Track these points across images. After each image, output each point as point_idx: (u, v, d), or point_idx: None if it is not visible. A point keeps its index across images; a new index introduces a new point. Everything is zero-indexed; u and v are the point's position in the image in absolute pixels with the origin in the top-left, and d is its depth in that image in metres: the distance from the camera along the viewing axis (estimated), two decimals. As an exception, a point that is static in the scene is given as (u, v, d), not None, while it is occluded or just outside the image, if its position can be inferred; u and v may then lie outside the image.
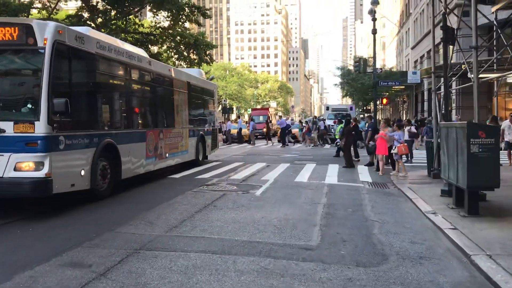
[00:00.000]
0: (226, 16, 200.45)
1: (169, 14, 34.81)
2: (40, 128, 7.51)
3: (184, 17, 35.77)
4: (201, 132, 16.61)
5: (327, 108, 39.42)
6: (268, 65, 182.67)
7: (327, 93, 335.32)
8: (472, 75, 9.63)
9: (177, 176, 13.53)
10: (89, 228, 7.14)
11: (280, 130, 32.43)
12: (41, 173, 7.52)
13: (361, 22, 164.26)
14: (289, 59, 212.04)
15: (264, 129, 36.37)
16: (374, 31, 30.09)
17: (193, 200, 9.54)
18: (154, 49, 42.52)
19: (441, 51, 38.12)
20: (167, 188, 11.35)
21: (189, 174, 13.94)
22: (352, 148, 17.96)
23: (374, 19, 30.27)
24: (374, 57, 29.38)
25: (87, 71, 9.15)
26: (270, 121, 40.84)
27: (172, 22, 36.00)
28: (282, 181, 12.68)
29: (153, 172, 12.68)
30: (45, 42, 7.62)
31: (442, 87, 12.94)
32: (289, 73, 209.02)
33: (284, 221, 7.71)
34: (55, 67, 7.72)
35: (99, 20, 32.85)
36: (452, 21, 15.24)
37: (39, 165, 7.53)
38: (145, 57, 11.91)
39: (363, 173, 14.89)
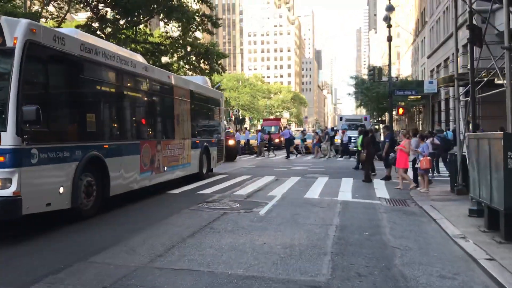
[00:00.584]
0: (239, 27, 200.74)
1: (179, 23, 34.41)
2: (7, 139, 6.52)
3: (194, 26, 35.40)
4: (205, 144, 15.57)
5: (341, 119, 38.15)
6: (281, 76, 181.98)
7: (340, 104, 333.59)
8: (504, 81, 8.47)
9: (176, 191, 12.48)
10: (59, 257, 6.10)
11: (285, 141, 31.07)
12: (8, 192, 6.52)
13: (375, 32, 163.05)
14: (303, 70, 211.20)
15: (276, 140, 35.42)
16: (389, 38, 28.99)
17: (188, 221, 8.46)
18: (166, 59, 42.11)
19: (459, 58, 36.72)
20: (162, 206, 10.30)
21: (190, 189, 12.87)
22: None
23: (389, 26, 29.18)
24: (390, 65, 28.22)
25: (68, 75, 8.16)
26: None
27: (182, 32, 35.62)
28: (290, 198, 11.57)
29: (151, 187, 11.66)
30: (15, 41, 6.67)
31: (462, 96, 11.80)
32: (302, 83, 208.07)
33: (289, 248, 6.59)
34: (27, 70, 6.75)
35: (108, 30, 32.41)
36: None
37: (6, 182, 6.53)
38: (140, 63, 10.90)
39: (380, 188, 13.72)
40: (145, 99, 11.39)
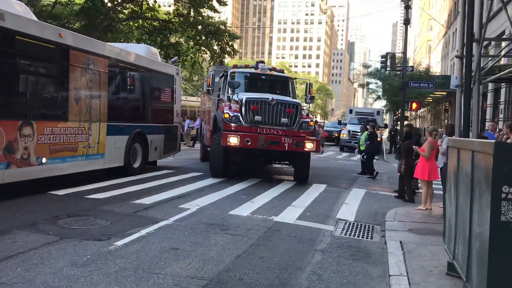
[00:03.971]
0: (269, 14, 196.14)
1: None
2: None
3: (199, 2, 32.94)
4: (138, 130, 12.20)
5: (351, 111, 34.24)
6: (309, 66, 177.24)
7: (372, 98, 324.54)
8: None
9: (62, 192, 9.14)
10: None
11: None
12: None
13: (410, 26, 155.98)
14: (333, 61, 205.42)
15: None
16: (406, 21, 25.03)
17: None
18: (175, 38, 39.34)
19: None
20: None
21: (85, 191, 9.42)
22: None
23: (407, 7, 25.18)
24: (405, 52, 24.26)
25: None
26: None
27: (192, 9, 33.24)
28: (207, 213, 8.16)
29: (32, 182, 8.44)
30: None
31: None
32: (332, 75, 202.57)
33: None
34: None
35: (109, 4, 29.78)
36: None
37: None
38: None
39: (351, 204, 10.21)
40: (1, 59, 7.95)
